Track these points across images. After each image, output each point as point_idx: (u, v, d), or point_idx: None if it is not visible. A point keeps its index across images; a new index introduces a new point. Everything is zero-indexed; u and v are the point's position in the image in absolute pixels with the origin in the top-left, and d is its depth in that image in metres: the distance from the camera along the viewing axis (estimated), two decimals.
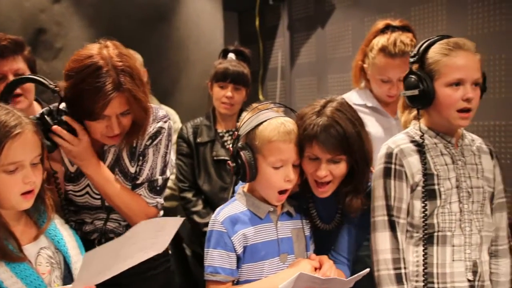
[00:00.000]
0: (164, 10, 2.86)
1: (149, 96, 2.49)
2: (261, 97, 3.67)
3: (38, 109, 1.74)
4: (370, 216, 1.39)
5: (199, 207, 2.12)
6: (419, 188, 1.34)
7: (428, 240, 1.33)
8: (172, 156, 1.78)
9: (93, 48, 1.29)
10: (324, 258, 1.35)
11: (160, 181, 1.48)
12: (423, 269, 1.32)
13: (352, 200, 1.35)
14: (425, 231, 1.33)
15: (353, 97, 1.92)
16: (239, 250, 1.29)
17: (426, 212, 1.33)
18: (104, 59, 1.26)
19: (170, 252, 1.67)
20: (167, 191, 1.96)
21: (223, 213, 1.33)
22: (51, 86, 1.31)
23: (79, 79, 1.25)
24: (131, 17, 2.68)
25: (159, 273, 1.58)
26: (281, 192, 1.31)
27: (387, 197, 1.35)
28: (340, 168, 1.32)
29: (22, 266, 1.12)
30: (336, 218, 1.45)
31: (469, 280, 1.33)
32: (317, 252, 1.42)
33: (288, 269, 1.32)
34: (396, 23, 1.85)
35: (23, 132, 1.12)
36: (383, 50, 1.80)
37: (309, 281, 1.21)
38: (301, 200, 1.44)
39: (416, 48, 1.37)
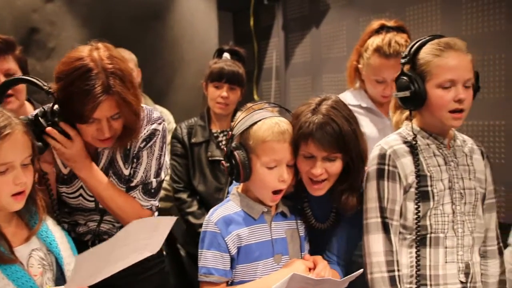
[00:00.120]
0: (158, 9, 2.85)
1: (144, 96, 2.51)
2: (256, 97, 3.67)
3: (30, 110, 1.73)
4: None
5: (194, 207, 2.11)
6: (412, 190, 1.34)
7: (420, 242, 1.33)
8: (167, 158, 1.77)
9: (83, 50, 1.28)
10: (318, 258, 1.35)
11: (154, 184, 1.47)
12: (416, 271, 1.32)
13: (348, 198, 1.35)
14: (418, 233, 1.33)
15: (348, 98, 1.92)
16: (233, 251, 1.29)
17: (419, 214, 1.32)
18: (94, 61, 1.25)
19: (164, 253, 1.66)
20: (162, 192, 1.95)
21: (216, 213, 1.32)
22: (45, 87, 1.29)
23: (69, 82, 1.24)
24: (125, 16, 2.67)
25: (154, 274, 1.58)
26: (275, 192, 1.31)
27: (380, 198, 1.34)
28: (336, 166, 1.32)
29: (14, 268, 1.11)
30: (331, 217, 1.44)
31: (461, 282, 1.33)
32: (312, 252, 1.42)
33: (282, 269, 1.32)
34: (391, 23, 1.85)
35: (13, 133, 1.11)
36: (378, 50, 1.80)
37: (302, 282, 1.21)
38: (296, 200, 1.44)
39: (408, 49, 1.36)
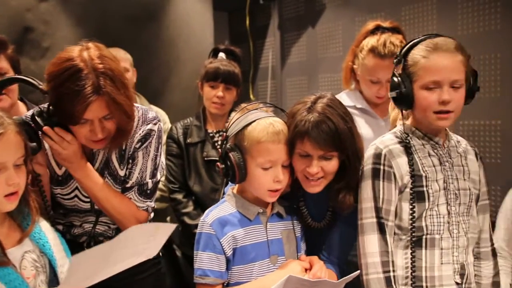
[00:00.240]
0: (153, 9, 2.83)
1: (139, 96, 2.50)
2: (251, 97, 3.66)
3: (23, 109, 1.72)
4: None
5: (190, 208, 2.10)
6: (407, 190, 1.33)
7: (416, 243, 1.33)
8: (163, 158, 1.76)
9: (74, 50, 1.26)
10: (315, 258, 1.34)
11: (150, 185, 1.47)
12: (411, 273, 1.32)
13: (345, 197, 1.34)
14: (413, 234, 1.32)
15: (343, 99, 1.91)
16: (229, 252, 1.28)
17: (414, 215, 1.32)
18: (84, 62, 1.23)
19: (160, 254, 1.65)
20: (157, 193, 1.95)
21: (211, 215, 1.31)
22: (40, 87, 1.28)
23: (59, 83, 1.23)
24: (120, 15, 2.65)
25: (150, 275, 1.57)
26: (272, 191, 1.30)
27: (375, 198, 1.33)
28: (332, 165, 1.31)
29: (6, 271, 1.09)
30: (327, 216, 1.44)
31: (457, 283, 1.33)
32: (309, 252, 1.41)
33: (278, 270, 1.31)
34: (386, 24, 1.86)
35: (6, 133, 1.10)
36: (373, 51, 1.80)
37: (298, 284, 1.20)
38: (291, 199, 1.43)
39: (400, 49, 1.37)
